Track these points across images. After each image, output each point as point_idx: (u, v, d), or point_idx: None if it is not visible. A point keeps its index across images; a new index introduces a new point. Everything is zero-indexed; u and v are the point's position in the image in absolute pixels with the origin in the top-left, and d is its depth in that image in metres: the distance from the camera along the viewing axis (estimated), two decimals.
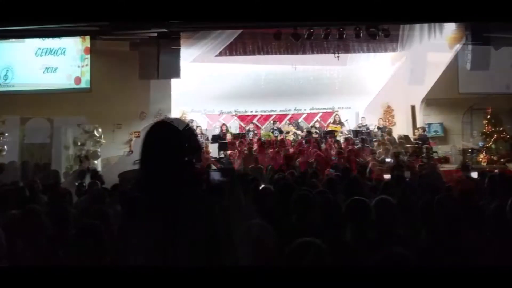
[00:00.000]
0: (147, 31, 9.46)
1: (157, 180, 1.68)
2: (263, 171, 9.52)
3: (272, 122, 14.59)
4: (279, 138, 13.10)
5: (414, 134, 13.93)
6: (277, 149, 11.27)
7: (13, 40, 10.53)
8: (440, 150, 13.14)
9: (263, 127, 14.65)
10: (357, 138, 12.59)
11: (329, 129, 14.23)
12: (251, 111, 14.71)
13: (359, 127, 14.05)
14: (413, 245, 2.85)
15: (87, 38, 10.75)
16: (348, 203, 3.26)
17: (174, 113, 12.43)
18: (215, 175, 2.10)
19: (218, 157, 12.60)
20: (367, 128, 13.92)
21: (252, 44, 12.07)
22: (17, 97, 10.65)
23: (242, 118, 14.70)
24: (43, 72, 10.75)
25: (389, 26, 10.93)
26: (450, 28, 11.60)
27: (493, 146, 11.92)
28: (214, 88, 13.43)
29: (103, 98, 11.00)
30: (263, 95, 13.83)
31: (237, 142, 11.67)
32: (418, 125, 14.16)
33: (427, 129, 13.74)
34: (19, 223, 3.47)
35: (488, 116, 12.09)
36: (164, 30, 8.94)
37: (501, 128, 12.00)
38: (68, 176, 10.93)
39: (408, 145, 11.68)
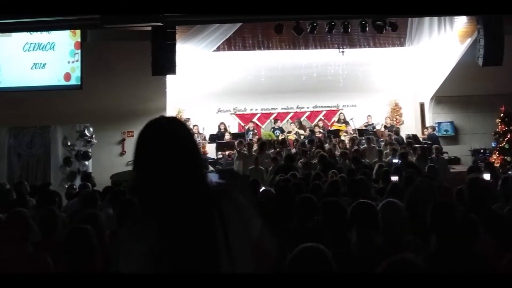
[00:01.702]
0: (141, 24, 9.43)
1: (170, 183, 1.57)
2: (263, 173, 9.52)
3: (273, 120, 14.59)
4: (280, 137, 13.10)
5: (423, 133, 13.94)
6: (278, 149, 11.25)
7: None
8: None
9: (263, 126, 14.65)
10: (363, 138, 12.59)
11: (333, 128, 14.23)
12: (251, 109, 14.71)
13: (365, 126, 14.05)
14: (423, 251, 2.85)
15: (78, 32, 10.72)
16: (353, 206, 3.26)
17: (170, 111, 12.42)
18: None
19: (216, 157, 12.61)
20: (373, 127, 13.92)
21: (252, 39, 12.07)
22: (3, 94, 10.62)
23: (241, 116, 14.70)
24: (31, 68, 10.72)
25: (396, 19, 10.91)
26: (461, 21, 11.59)
27: (506, 146, 11.89)
28: (211, 84, 13.42)
29: (94, 96, 10.99)
30: (264, 92, 13.80)
31: (236, 142, 11.65)
32: (427, 124, 14.17)
33: (436, 128, 13.75)
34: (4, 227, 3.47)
35: (502, 115, 12.06)
36: (159, 23, 8.92)
37: None
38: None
39: (417, 145, 11.67)
